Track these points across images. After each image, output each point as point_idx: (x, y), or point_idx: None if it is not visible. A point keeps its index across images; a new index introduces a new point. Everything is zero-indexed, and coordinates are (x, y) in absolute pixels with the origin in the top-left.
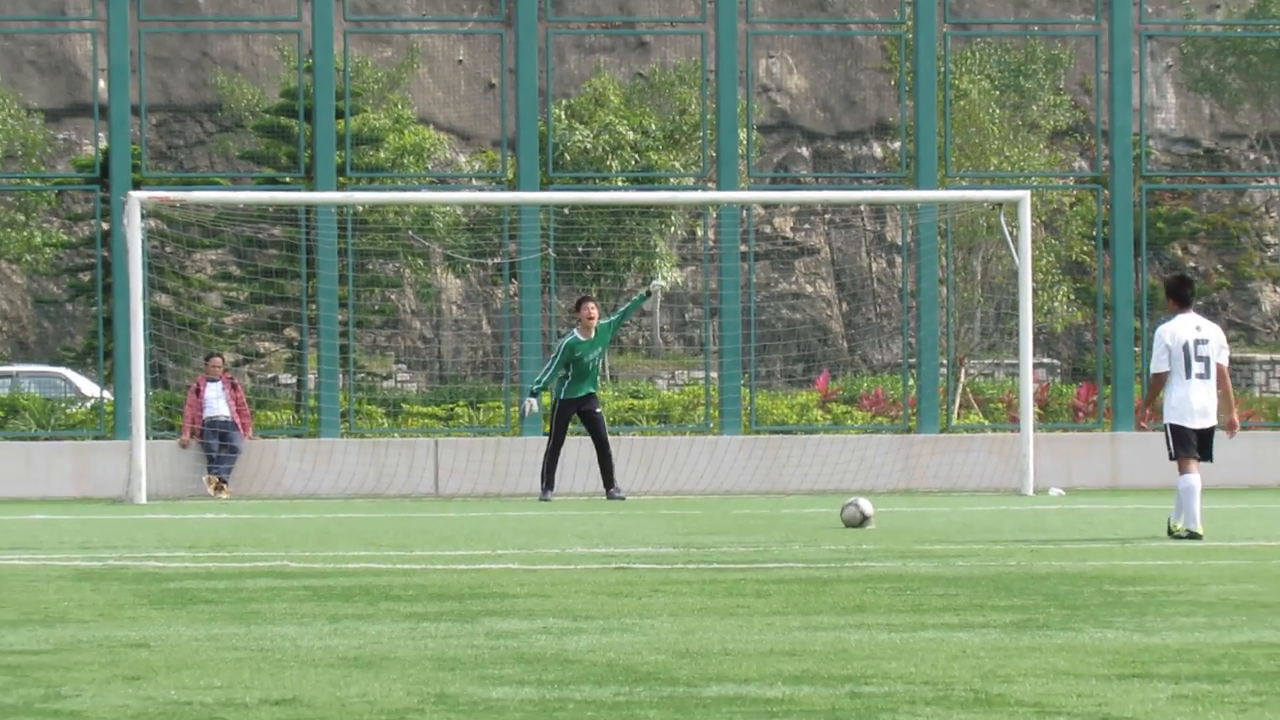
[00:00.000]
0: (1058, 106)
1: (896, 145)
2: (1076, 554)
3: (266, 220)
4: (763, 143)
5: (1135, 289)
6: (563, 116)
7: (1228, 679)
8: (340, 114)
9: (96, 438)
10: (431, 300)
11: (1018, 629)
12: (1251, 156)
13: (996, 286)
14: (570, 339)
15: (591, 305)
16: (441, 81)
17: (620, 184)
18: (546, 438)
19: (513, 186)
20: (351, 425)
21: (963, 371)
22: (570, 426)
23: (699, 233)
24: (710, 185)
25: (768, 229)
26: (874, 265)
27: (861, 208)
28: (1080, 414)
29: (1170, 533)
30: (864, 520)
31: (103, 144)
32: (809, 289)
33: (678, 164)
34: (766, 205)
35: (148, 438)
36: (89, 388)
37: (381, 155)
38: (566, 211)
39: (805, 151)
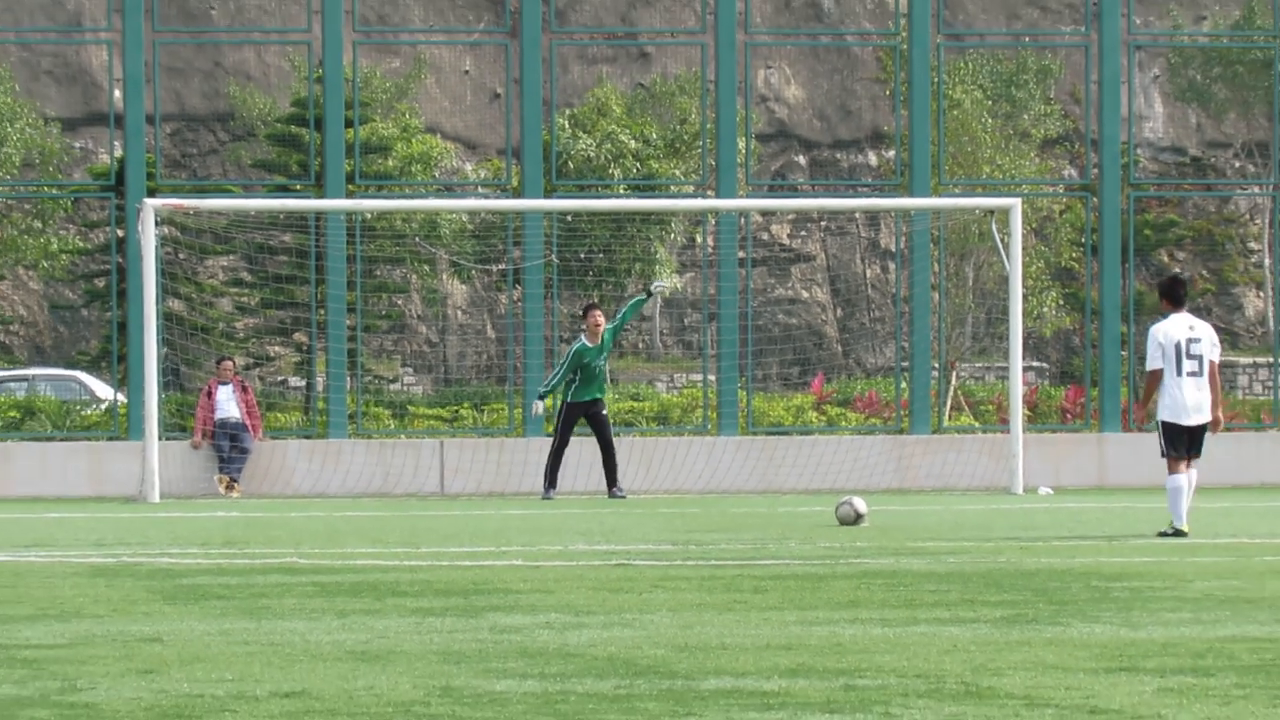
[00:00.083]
0: (1048, 116)
1: (891, 154)
2: (1065, 551)
3: (277, 227)
4: (761, 151)
5: (1122, 294)
6: (566, 125)
7: (1212, 672)
8: (349, 123)
9: (111, 439)
10: (437, 305)
11: (1007, 624)
12: (1237, 165)
13: (987, 292)
14: (579, 346)
15: (598, 313)
16: (448, 91)
17: (622, 191)
18: (550, 438)
19: (517, 194)
20: (359, 426)
21: (954, 374)
22: (575, 428)
23: (698, 239)
24: (709, 193)
25: (765, 235)
26: (868, 271)
27: (856, 215)
28: (1068, 416)
29: (1169, 532)
30: (858, 519)
31: (118, 152)
32: (805, 294)
33: (678, 172)
34: (764, 212)
35: (161, 439)
36: (104, 390)
37: (389, 163)
38: (569, 218)
39: (802, 160)
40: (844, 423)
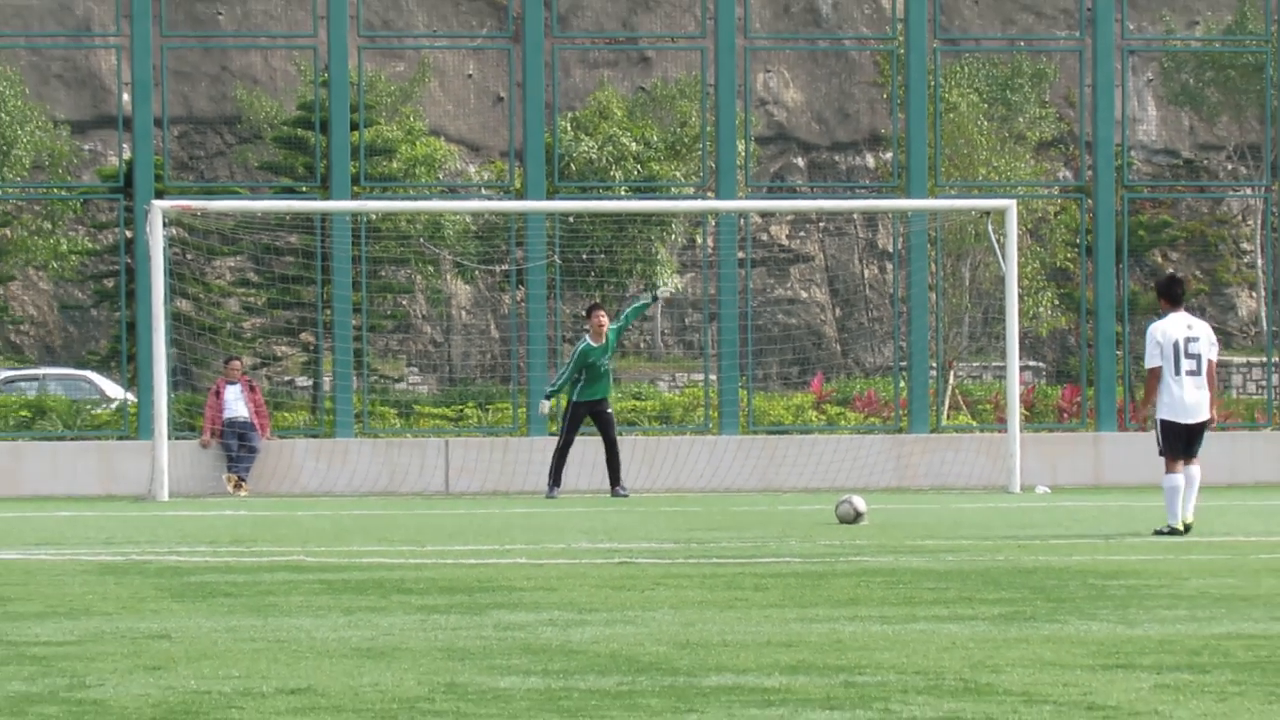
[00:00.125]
0: (1043, 119)
1: (888, 156)
2: (1062, 549)
3: (283, 228)
4: (760, 154)
5: (1117, 294)
6: (568, 128)
7: (1208, 669)
8: (355, 126)
9: (120, 438)
10: (442, 305)
11: (1005, 621)
12: (1229, 167)
13: (984, 292)
14: (584, 345)
15: (602, 313)
16: (452, 95)
17: (623, 193)
18: (553, 438)
19: (520, 195)
20: (365, 426)
21: (952, 374)
22: (582, 429)
23: (698, 240)
24: (709, 194)
25: (764, 236)
26: (866, 272)
27: (854, 216)
28: (1065, 415)
29: (1165, 531)
30: (857, 517)
31: (126, 155)
32: (804, 294)
33: (678, 174)
34: (763, 214)
35: (170, 438)
36: (113, 390)
37: (394, 166)
38: (571, 220)
39: (801, 162)
40: (843, 422)
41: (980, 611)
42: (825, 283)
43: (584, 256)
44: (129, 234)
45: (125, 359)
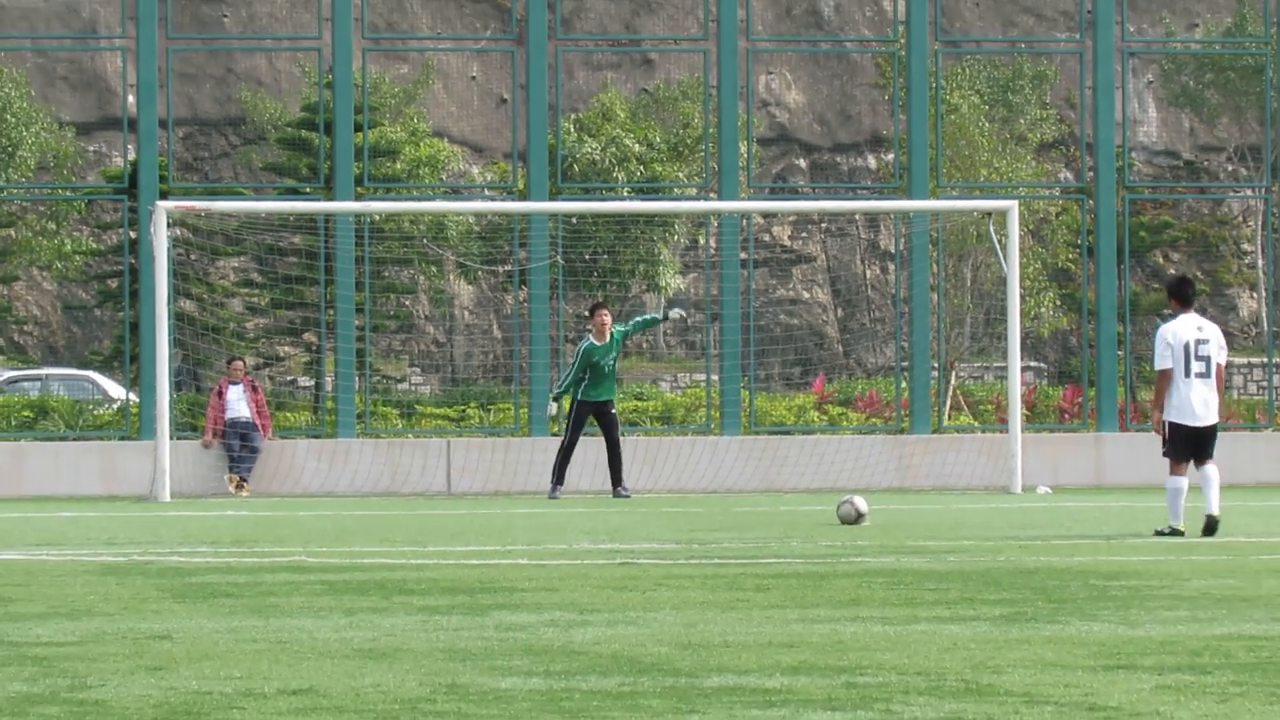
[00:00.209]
0: (1044, 120)
1: (890, 157)
2: (1063, 550)
3: (287, 229)
4: (762, 155)
5: (1118, 295)
6: (571, 130)
7: (1209, 670)
8: (358, 127)
9: (123, 438)
10: (444, 306)
11: (1007, 622)
12: (1230, 168)
13: (986, 293)
14: (587, 345)
15: (604, 312)
16: (455, 96)
17: (626, 194)
18: (555, 438)
19: (523, 196)
20: (367, 426)
21: (953, 374)
22: (586, 429)
23: (701, 241)
24: (712, 195)
25: (767, 237)
26: (868, 272)
27: (856, 217)
28: (1066, 415)
29: (1166, 531)
30: (859, 517)
31: (131, 156)
32: (806, 295)
33: (681, 175)
34: (766, 215)
35: (171, 438)
36: (116, 390)
37: (398, 167)
38: (574, 220)
39: (803, 163)
40: (845, 422)
41: (982, 612)
42: (827, 283)
43: (587, 257)
44: (133, 234)
45: (128, 359)
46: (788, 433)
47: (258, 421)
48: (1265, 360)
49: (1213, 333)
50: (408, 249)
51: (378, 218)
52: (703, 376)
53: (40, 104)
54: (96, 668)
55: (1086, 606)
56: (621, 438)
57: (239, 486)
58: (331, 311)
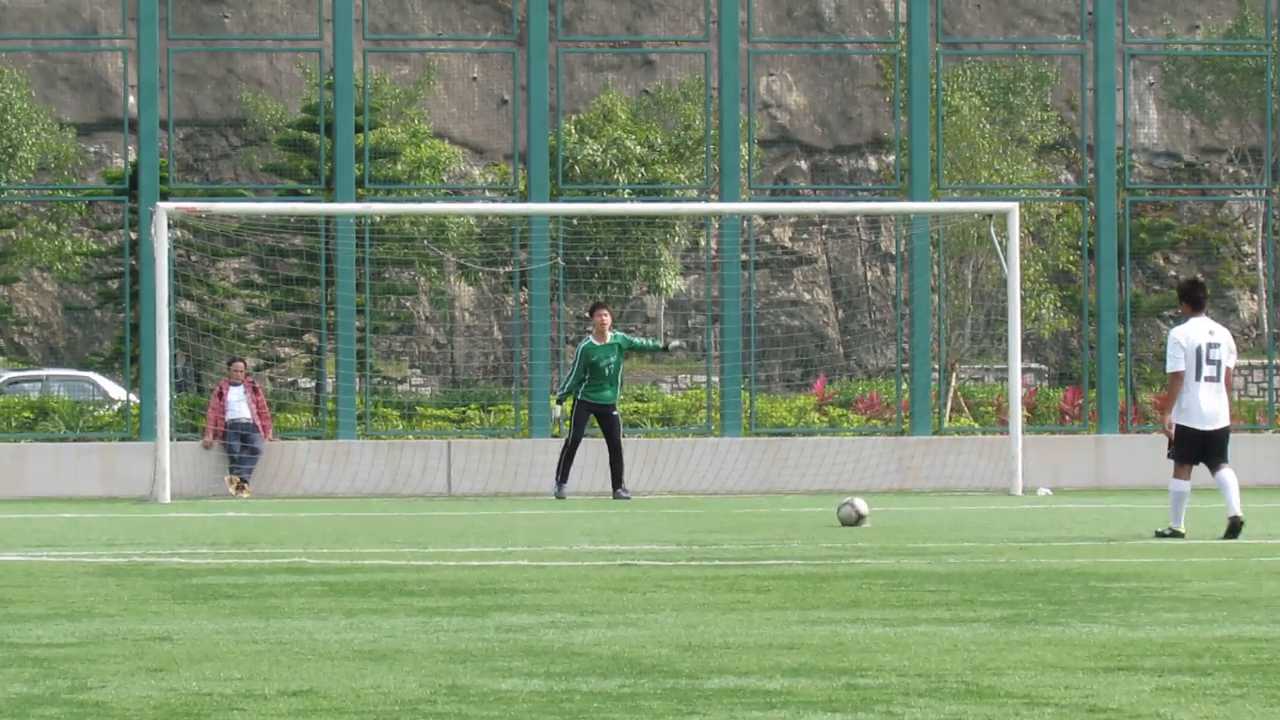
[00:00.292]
0: (1045, 122)
1: (891, 159)
2: (1064, 551)
3: (288, 230)
4: (763, 156)
5: (1119, 297)
6: (572, 131)
7: (1209, 672)
8: (359, 129)
9: (123, 439)
10: (445, 307)
11: (1007, 624)
12: (1230, 170)
13: (986, 294)
14: (586, 345)
15: (604, 312)
16: (456, 98)
17: (627, 196)
18: (555, 439)
19: (524, 198)
20: (368, 427)
21: (954, 376)
22: (588, 428)
23: (702, 242)
24: (713, 197)
25: (768, 239)
26: (869, 274)
27: (857, 219)
28: (1066, 417)
29: (1167, 533)
30: (859, 519)
31: (132, 157)
32: (807, 296)
33: (682, 177)
34: (766, 216)
35: (172, 439)
36: (116, 391)
37: (398, 168)
38: (575, 222)
39: (804, 165)
40: (845, 424)
41: (982, 614)
42: (828, 285)
43: (588, 259)
44: (134, 236)
45: (129, 360)
46: (788, 434)
47: (258, 423)
48: (1265, 362)
49: (1223, 336)
50: (408, 250)
51: (378, 219)
52: (703, 378)
53: (41, 105)
54: (97, 669)
55: (1087, 608)
56: (623, 440)
57: (239, 488)
58: (332, 313)
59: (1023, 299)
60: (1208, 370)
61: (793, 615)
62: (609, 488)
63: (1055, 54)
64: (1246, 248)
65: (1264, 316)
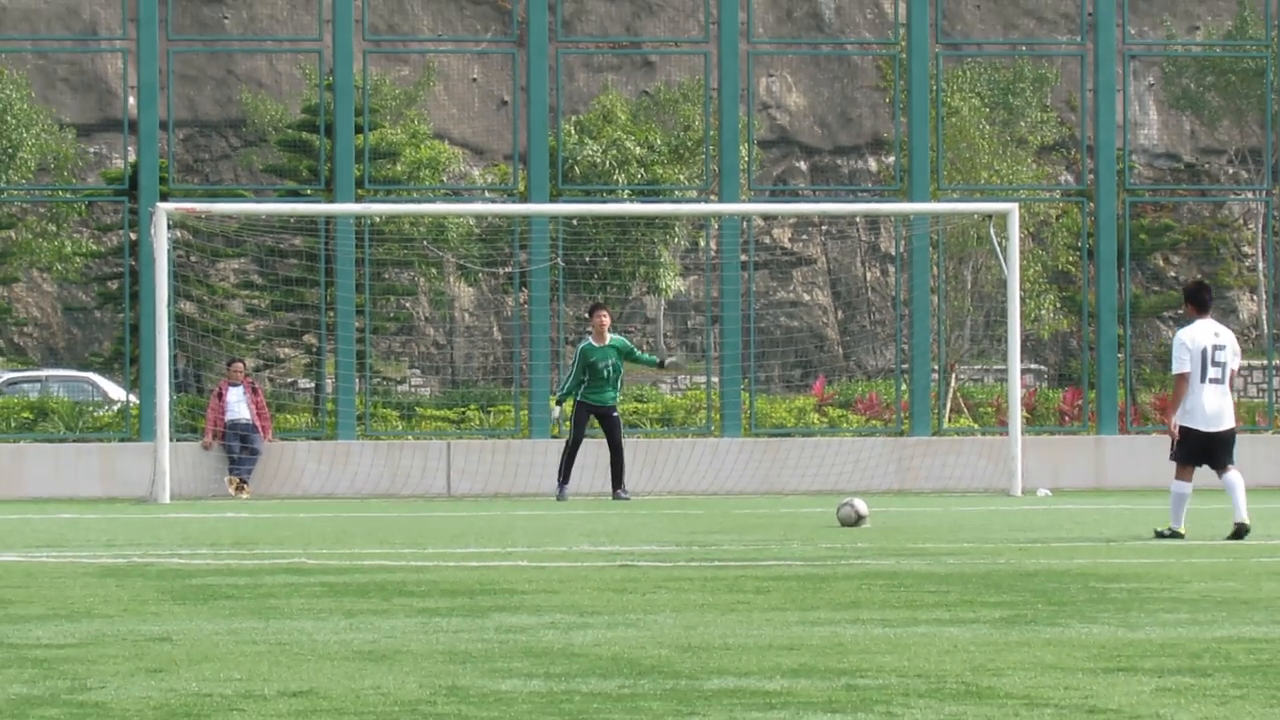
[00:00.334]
0: (1045, 123)
1: (891, 160)
2: (1063, 552)
3: (287, 231)
4: (763, 157)
5: (1119, 298)
6: (572, 132)
7: (1209, 673)
8: (359, 129)
9: (122, 440)
10: (445, 308)
11: (1007, 624)
12: (1230, 171)
13: (986, 295)
14: (584, 345)
15: (603, 313)
16: (456, 99)
17: (627, 196)
18: (555, 439)
19: (524, 199)
20: (367, 428)
21: (953, 377)
22: (589, 429)
23: (701, 243)
24: (712, 198)
25: (767, 240)
26: (868, 274)
27: (857, 219)
28: (1066, 418)
29: (1166, 533)
30: (859, 520)
31: (132, 158)
32: (806, 297)
33: (682, 177)
34: (766, 217)
35: (171, 440)
36: (116, 392)
37: (398, 169)
38: (575, 223)
39: (803, 165)
40: (845, 424)
41: (981, 615)
42: (827, 285)
43: (587, 259)
44: (133, 236)
45: (128, 361)
46: (788, 435)
47: (258, 423)
48: (1265, 363)
49: (1229, 339)
50: (408, 251)
51: (378, 220)
52: (703, 379)
53: (41, 105)
54: (96, 670)
55: (1086, 609)
56: (624, 440)
57: (239, 488)
58: (332, 313)
59: (1022, 300)
60: (1213, 372)
61: (792, 616)
62: (609, 488)
63: (1055, 55)
64: (1246, 249)
65: (1263, 317)
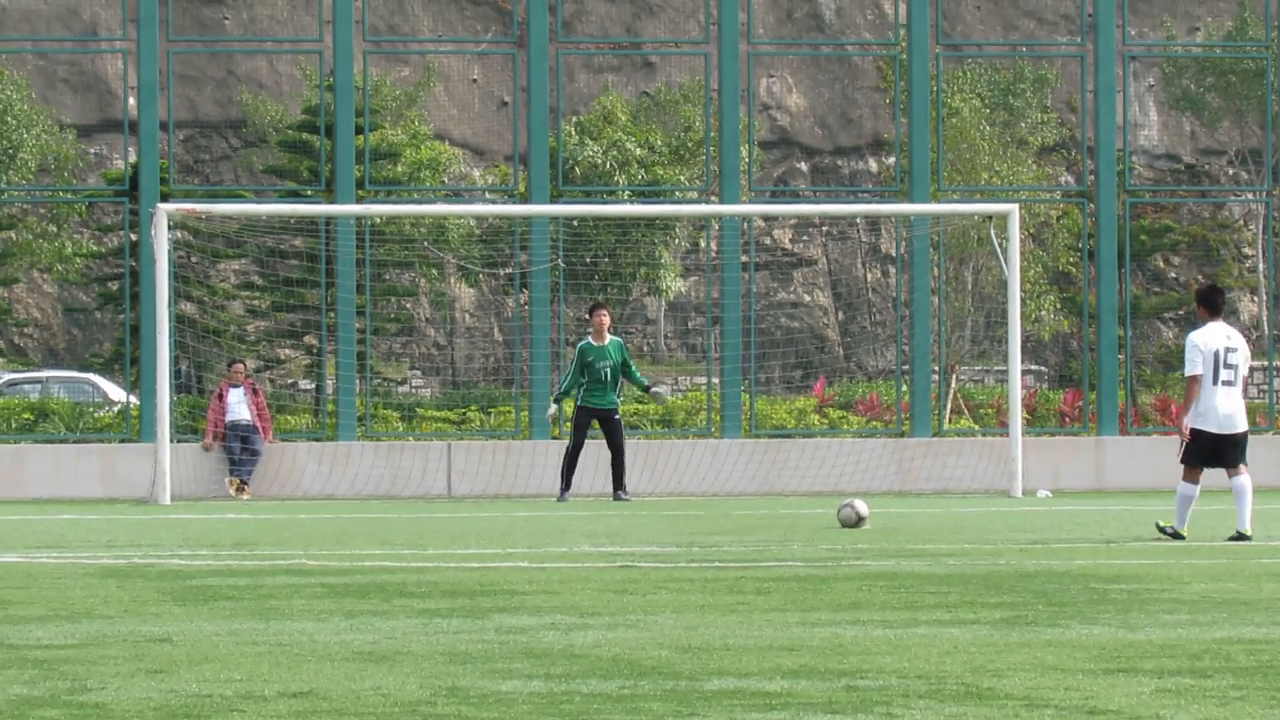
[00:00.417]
0: (1045, 124)
1: (891, 160)
2: (1063, 553)
3: (288, 231)
4: (763, 158)
5: (1119, 299)
6: (572, 133)
7: (1209, 674)
8: (359, 130)
9: (123, 441)
10: (445, 309)
11: (1007, 625)
12: (1230, 172)
13: (986, 296)
14: (583, 344)
15: (603, 313)
16: (456, 99)
17: (627, 197)
18: (555, 441)
19: (524, 199)
20: (368, 429)
21: (954, 378)
22: (590, 431)
23: (702, 244)
24: (713, 199)
25: (768, 240)
26: (869, 275)
27: (857, 220)
28: (1066, 419)
29: (1169, 531)
30: (859, 521)
31: (132, 158)
32: (807, 298)
33: (682, 178)
34: (766, 218)
35: (172, 441)
36: (116, 393)
37: (399, 170)
38: (575, 224)
39: (804, 166)
40: (845, 425)
41: (982, 616)
42: (828, 286)
43: (588, 260)
44: (134, 237)
45: (129, 362)
46: (788, 436)
47: (258, 424)
48: (1265, 364)
49: (1240, 342)
50: (409, 252)
51: (378, 220)
52: (703, 380)
53: (41, 106)
54: (96, 670)
55: (1087, 610)
56: (625, 443)
57: (239, 489)
58: (332, 314)
59: (1023, 301)
60: (1225, 374)
61: (793, 617)
62: (610, 489)
63: (1055, 56)
64: (1246, 250)
65: (1264, 319)
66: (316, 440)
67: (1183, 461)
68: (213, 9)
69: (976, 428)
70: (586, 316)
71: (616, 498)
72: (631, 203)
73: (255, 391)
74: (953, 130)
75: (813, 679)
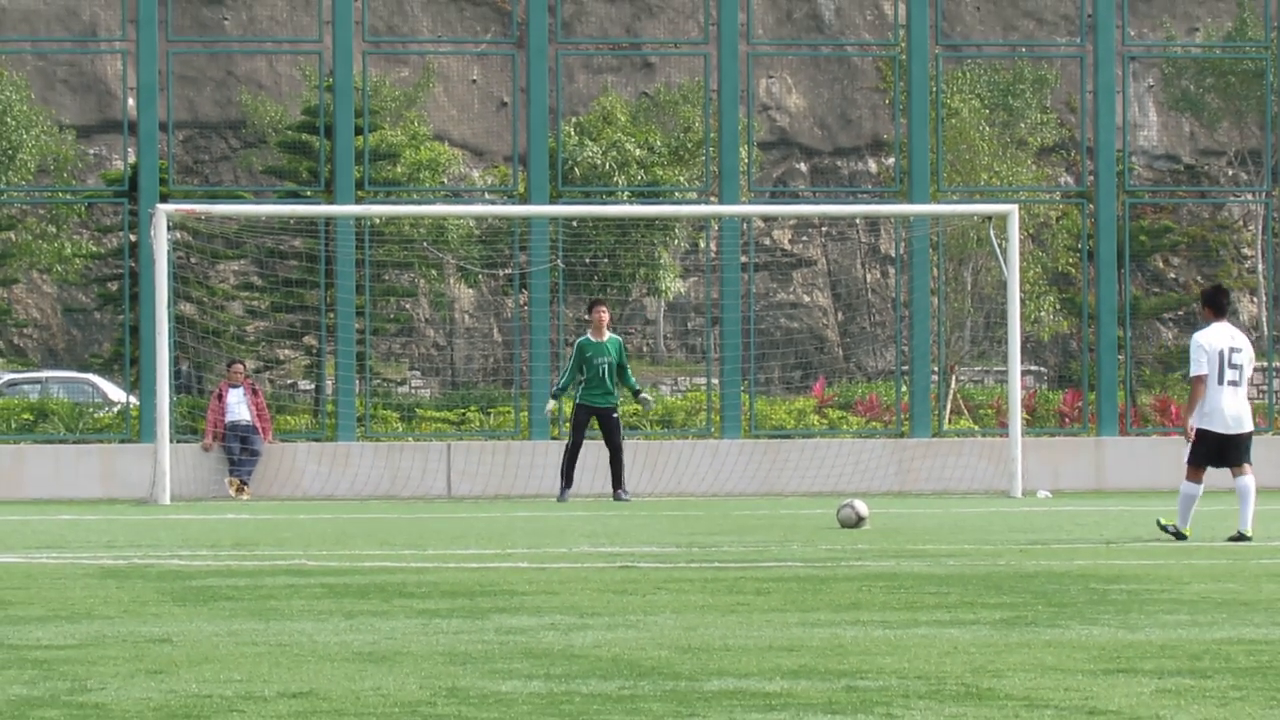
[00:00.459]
0: (1044, 124)
1: (891, 161)
2: (1063, 554)
3: (287, 232)
4: (763, 159)
5: (1118, 299)
6: (572, 133)
7: (1209, 674)
8: (359, 131)
9: (123, 441)
10: (445, 309)
11: (1007, 626)
12: (1230, 172)
13: (986, 296)
14: (582, 340)
15: (603, 309)
16: (456, 100)
17: (626, 198)
18: (555, 441)
19: (523, 200)
20: (367, 429)
21: (954, 378)
22: (589, 430)
23: (701, 245)
24: (712, 199)
25: (767, 241)
26: (868, 276)
27: (857, 221)
28: (1066, 419)
29: (1171, 529)
30: (859, 521)
31: (131, 159)
32: (806, 299)
33: (681, 179)
34: (766, 218)
35: (171, 441)
36: (116, 393)
37: (398, 170)
38: (575, 224)
39: (803, 167)
40: (845, 426)
41: (982, 616)
42: (827, 287)
43: (587, 261)
44: (133, 238)
45: (128, 362)
46: (788, 436)
47: (258, 425)
48: (1265, 364)
49: (1244, 342)
50: (408, 252)
51: (378, 221)
52: (703, 380)
53: (40, 107)
54: (96, 671)
55: (1086, 610)
56: (623, 442)
57: (239, 490)
58: (332, 315)
59: (1022, 301)
60: (1230, 375)
61: (792, 617)
62: (609, 489)
63: (1055, 56)
64: (1246, 250)
65: (1264, 319)
66: (316, 441)
67: (1189, 461)
68: (212, 9)
69: (976, 428)
70: (586, 316)
71: (616, 498)
72: (631, 203)
73: (255, 392)
74: (952, 131)
75: (813, 679)
